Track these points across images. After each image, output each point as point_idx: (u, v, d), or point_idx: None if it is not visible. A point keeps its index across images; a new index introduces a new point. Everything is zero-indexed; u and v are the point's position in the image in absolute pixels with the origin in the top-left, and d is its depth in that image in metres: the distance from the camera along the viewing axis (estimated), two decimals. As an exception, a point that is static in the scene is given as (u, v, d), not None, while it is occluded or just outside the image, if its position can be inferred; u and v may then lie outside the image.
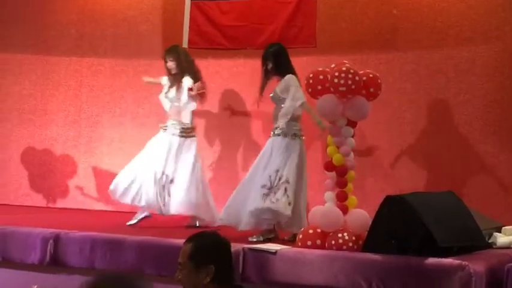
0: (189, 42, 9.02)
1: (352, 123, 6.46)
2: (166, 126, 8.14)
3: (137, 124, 9.58)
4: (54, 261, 6.89)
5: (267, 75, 7.58)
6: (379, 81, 6.49)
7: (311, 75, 6.50)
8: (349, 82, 6.24)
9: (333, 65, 6.47)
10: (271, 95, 7.51)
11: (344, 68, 6.29)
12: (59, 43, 10.07)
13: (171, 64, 8.11)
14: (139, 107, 9.57)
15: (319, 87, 6.42)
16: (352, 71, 6.28)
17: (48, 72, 10.11)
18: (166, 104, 8.21)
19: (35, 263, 6.94)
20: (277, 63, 7.50)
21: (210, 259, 3.88)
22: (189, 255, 3.92)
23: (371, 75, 6.46)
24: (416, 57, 8.52)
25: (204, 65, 9.07)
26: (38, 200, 9.93)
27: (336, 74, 6.28)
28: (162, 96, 8.23)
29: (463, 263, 5.60)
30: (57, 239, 6.92)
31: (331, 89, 6.33)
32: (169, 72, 8.17)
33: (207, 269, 3.87)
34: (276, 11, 8.73)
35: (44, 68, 10.12)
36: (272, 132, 7.42)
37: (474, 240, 6.21)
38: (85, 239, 6.88)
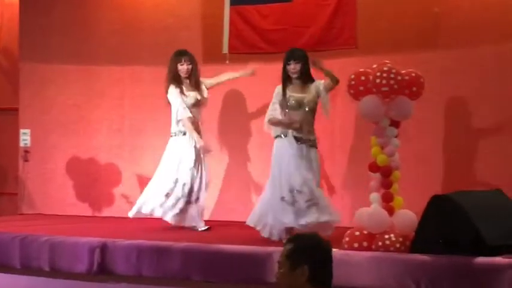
0: (230, 47, 9.01)
1: (395, 123, 6.42)
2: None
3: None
4: (102, 269, 6.93)
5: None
6: (421, 80, 6.45)
7: (353, 77, 6.48)
8: (392, 82, 6.21)
9: (374, 66, 6.43)
10: (306, 100, 7.49)
11: (386, 68, 6.25)
12: (101, 53, 10.14)
13: (188, 67, 8.37)
14: (182, 114, 9.59)
15: (361, 88, 6.39)
16: (394, 70, 6.24)
17: (91, 82, 10.18)
18: (186, 111, 8.36)
19: (83, 272, 6.99)
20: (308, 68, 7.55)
21: (305, 259, 3.92)
22: (287, 254, 3.98)
23: (413, 75, 6.42)
24: (459, 55, 8.43)
25: (245, 69, 9.08)
26: (84, 209, 9.99)
27: (378, 74, 6.25)
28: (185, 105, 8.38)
29: (513, 261, 5.55)
30: (104, 247, 6.96)
31: (374, 90, 6.30)
32: (178, 74, 8.37)
33: (302, 269, 3.91)
34: (315, 13, 8.67)
35: (87, 78, 10.19)
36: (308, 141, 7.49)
37: (524, 239, 6.13)
38: (132, 247, 6.92)
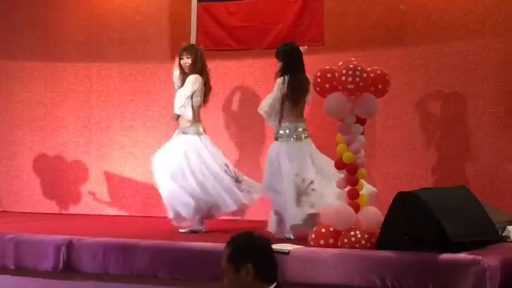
0: (197, 44, 8.99)
1: (361, 121, 6.42)
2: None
3: (148, 128, 9.58)
4: (68, 267, 6.88)
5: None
6: (387, 77, 6.45)
7: (318, 74, 6.46)
8: (357, 79, 6.20)
9: (340, 63, 6.43)
10: None
11: (351, 66, 6.25)
12: (67, 49, 10.09)
13: (187, 61, 7.98)
14: (149, 111, 9.57)
15: (327, 86, 6.38)
16: (359, 68, 6.24)
17: (57, 79, 10.12)
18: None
19: (49, 270, 6.93)
20: (284, 64, 7.50)
21: (247, 258, 3.94)
22: (227, 258, 4.00)
23: (379, 72, 6.42)
24: (425, 52, 8.49)
25: (212, 66, 9.02)
26: (51, 207, 9.94)
27: (344, 71, 6.24)
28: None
29: (477, 257, 5.57)
30: (70, 245, 6.91)
31: (339, 87, 6.29)
32: (182, 70, 8.07)
33: (247, 268, 3.92)
34: (283, 10, 8.72)
35: (53, 75, 10.13)
36: None
37: (487, 235, 6.18)
38: (98, 245, 6.87)
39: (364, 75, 6.25)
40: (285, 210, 7.23)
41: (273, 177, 7.40)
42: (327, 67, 6.46)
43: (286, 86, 7.37)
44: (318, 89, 6.48)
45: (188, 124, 7.95)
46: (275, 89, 7.42)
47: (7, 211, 10.00)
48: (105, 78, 9.88)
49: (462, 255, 5.66)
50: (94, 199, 9.73)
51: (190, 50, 8.09)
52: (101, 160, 9.84)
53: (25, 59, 10.20)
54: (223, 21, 9.04)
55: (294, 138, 7.42)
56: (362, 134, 6.42)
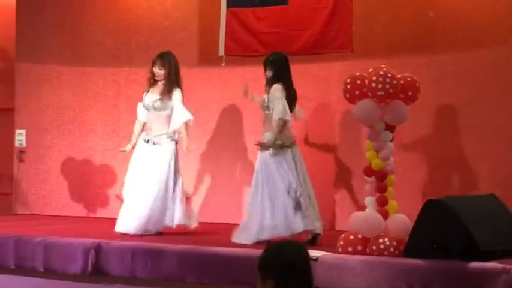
0: (226, 49, 9.02)
1: (390, 128, 6.42)
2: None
3: (175, 132, 9.59)
4: (96, 271, 6.93)
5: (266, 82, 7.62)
6: (417, 84, 6.45)
7: (348, 81, 6.47)
8: (387, 86, 6.20)
9: (370, 70, 6.43)
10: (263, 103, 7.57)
11: (381, 72, 6.25)
12: (96, 54, 10.15)
13: (159, 72, 8.07)
14: (177, 115, 9.58)
15: (357, 92, 6.39)
16: (389, 75, 6.23)
17: (85, 83, 10.19)
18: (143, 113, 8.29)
19: (77, 273, 6.99)
20: (274, 73, 7.52)
21: (270, 273, 3.69)
22: (257, 265, 3.78)
23: (409, 79, 6.42)
24: (454, 59, 8.44)
25: (241, 72, 9.10)
26: (79, 210, 9.99)
27: (374, 78, 6.24)
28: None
29: (507, 266, 5.55)
30: (98, 248, 6.96)
31: (369, 94, 6.30)
32: (153, 77, 8.14)
33: (270, 282, 3.68)
34: (312, 17, 8.69)
35: (81, 79, 10.20)
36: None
37: (517, 243, 6.14)
38: (126, 248, 6.92)
39: (394, 82, 6.25)
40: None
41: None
42: (357, 74, 6.46)
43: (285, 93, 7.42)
44: (347, 95, 6.48)
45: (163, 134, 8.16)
46: (279, 95, 7.37)
47: (35, 214, 10.08)
48: (133, 83, 9.91)
49: (492, 264, 5.63)
50: (121, 203, 9.74)
51: (164, 60, 8.13)
52: (128, 164, 9.85)
53: (54, 63, 10.28)
54: (251, 26, 9.04)
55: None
56: (391, 141, 6.41)
